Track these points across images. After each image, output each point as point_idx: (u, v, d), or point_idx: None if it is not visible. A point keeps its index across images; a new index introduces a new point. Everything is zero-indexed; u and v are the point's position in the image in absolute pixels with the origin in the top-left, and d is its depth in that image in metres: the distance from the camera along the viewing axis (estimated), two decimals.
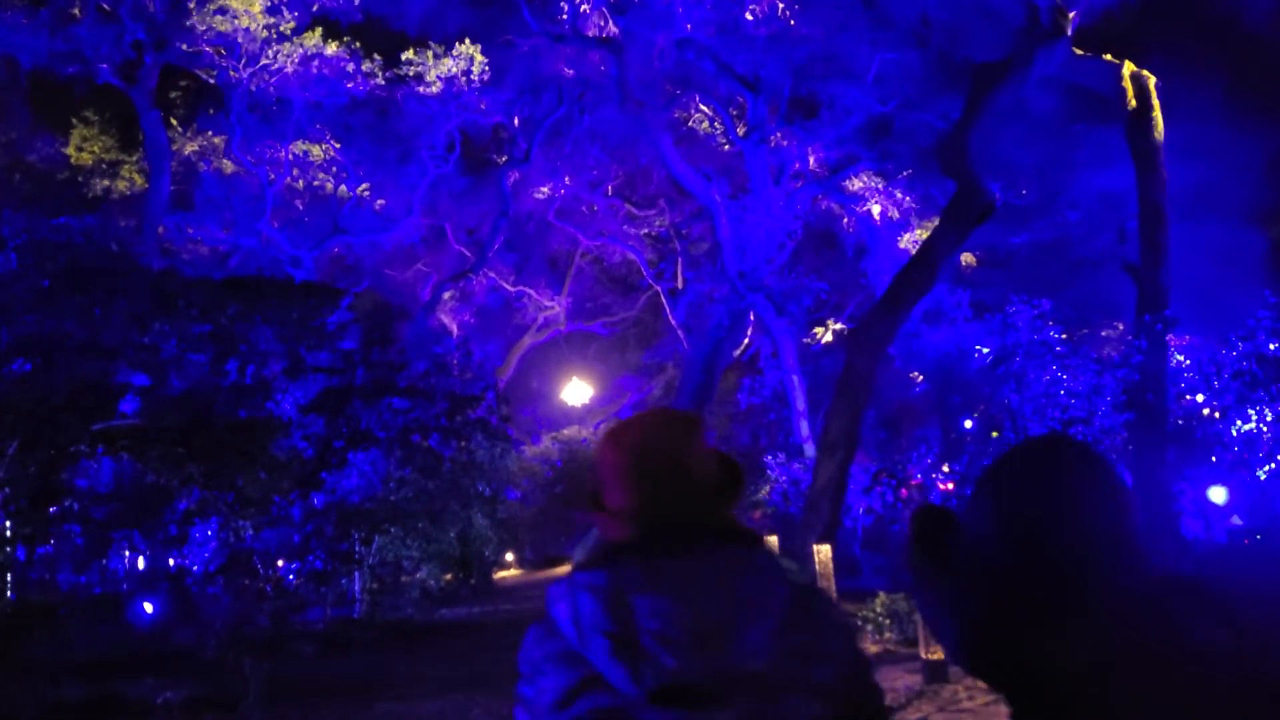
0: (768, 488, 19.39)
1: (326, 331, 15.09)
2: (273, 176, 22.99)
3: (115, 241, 14.53)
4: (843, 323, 26.43)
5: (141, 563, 20.00)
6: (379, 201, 27.00)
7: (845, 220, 26.27)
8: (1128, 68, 16.45)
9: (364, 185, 25.88)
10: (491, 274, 38.76)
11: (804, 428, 21.45)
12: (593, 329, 44.18)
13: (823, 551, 10.86)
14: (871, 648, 10.40)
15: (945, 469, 18.76)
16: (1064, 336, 17.96)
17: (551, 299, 40.42)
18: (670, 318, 35.15)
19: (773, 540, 14.25)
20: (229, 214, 22.51)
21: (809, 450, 21.01)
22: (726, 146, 25.14)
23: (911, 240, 25.03)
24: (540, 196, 35.42)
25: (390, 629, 16.57)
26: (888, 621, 10.64)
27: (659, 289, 35.88)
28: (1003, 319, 19.78)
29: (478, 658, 13.80)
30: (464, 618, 18.45)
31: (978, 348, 17.96)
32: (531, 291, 39.64)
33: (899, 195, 24.67)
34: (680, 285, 35.61)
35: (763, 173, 23.02)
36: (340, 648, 15.00)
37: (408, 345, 18.83)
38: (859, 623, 11.06)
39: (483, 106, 24.69)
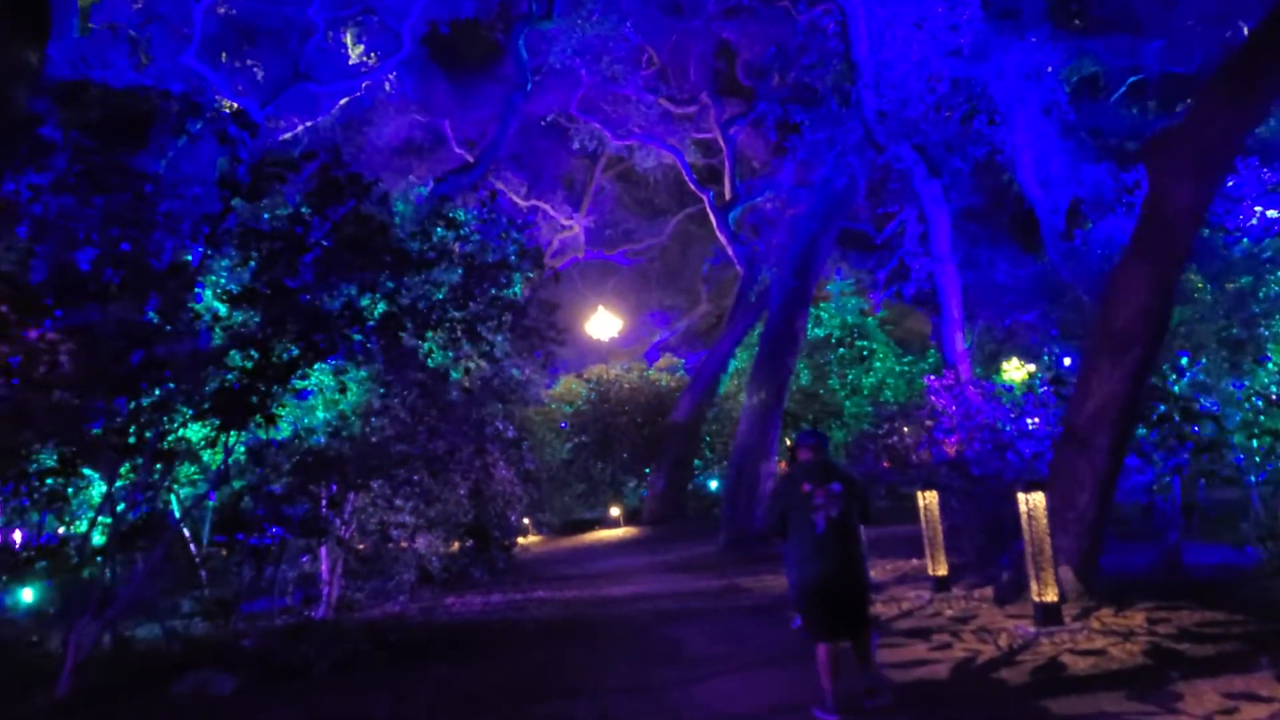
0: (929, 422, 13.21)
1: None
2: None
3: None
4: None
5: (19, 535, 13.93)
6: (355, 41, 20.41)
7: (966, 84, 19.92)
8: None
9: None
10: (500, 185, 32.64)
11: (959, 340, 15.35)
12: (614, 259, 38.82)
13: None
14: None
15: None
16: None
17: (570, 216, 34.37)
18: (718, 232, 29.20)
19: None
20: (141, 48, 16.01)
21: (963, 371, 14.97)
22: None
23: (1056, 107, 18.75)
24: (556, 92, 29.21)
25: (368, 636, 10.57)
26: None
27: (704, 197, 29.81)
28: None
29: (513, 695, 7.85)
30: (481, 614, 12.48)
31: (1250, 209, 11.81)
32: (547, 207, 33.47)
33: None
34: (730, 195, 29.65)
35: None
36: (284, 677, 9.02)
37: (393, 213, 12.63)
38: None
39: None
